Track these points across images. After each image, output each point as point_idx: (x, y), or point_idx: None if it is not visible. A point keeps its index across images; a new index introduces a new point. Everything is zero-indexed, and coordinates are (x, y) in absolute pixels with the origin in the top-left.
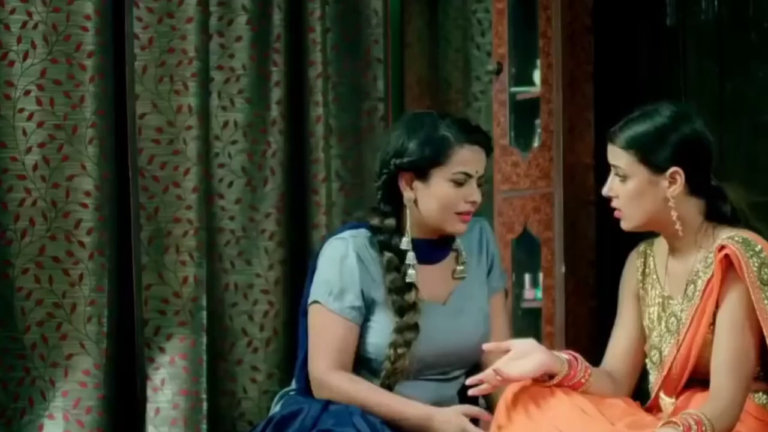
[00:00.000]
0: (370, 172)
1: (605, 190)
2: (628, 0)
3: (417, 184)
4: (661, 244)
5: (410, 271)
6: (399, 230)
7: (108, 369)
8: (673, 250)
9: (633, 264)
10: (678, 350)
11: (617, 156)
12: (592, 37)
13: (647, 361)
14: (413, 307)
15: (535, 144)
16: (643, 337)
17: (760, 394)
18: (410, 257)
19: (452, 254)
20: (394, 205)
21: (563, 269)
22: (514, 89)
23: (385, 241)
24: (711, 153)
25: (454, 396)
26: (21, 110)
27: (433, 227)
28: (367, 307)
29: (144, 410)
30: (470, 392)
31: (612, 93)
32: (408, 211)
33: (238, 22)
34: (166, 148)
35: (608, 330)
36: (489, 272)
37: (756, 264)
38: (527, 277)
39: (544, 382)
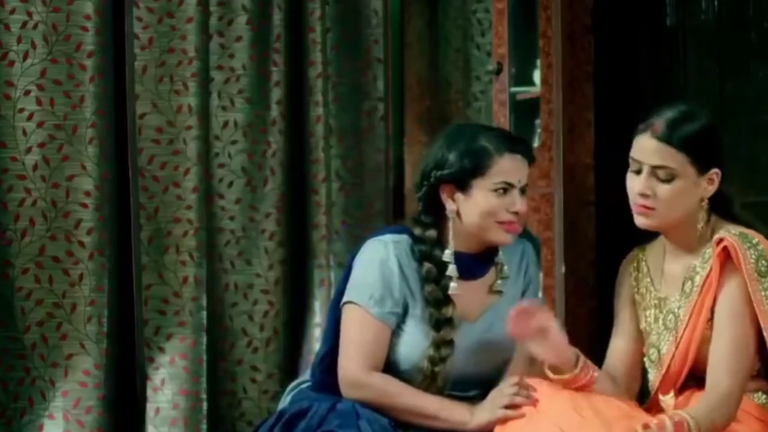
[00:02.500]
0: (371, 172)
1: (642, 189)
2: (628, 0)
3: (458, 195)
4: (654, 249)
5: (452, 284)
6: (440, 242)
7: (108, 369)
8: (672, 251)
9: (626, 270)
10: (676, 347)
11: (668, 156)
12: (592, 37)
13: (646, 360)
14: (450, 322)
15: (535, 144)
16: (641, 341)
17: (760, 393)
18: (452, 269)
19: (491, 271)
20: (436, 216)
21: (563, 269)
22: (514, 89)
23: (425, 252)
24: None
25: None
26: (21, 110)
27: (477, 239)
28: (402, 315)
29: (144, 410)
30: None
31: (612, 93)
32: (450, 224)
33: (238, 22)
34: (166, 148)
35: (608, 330)
36: (524, 293)
37: (753, 256)
38: None
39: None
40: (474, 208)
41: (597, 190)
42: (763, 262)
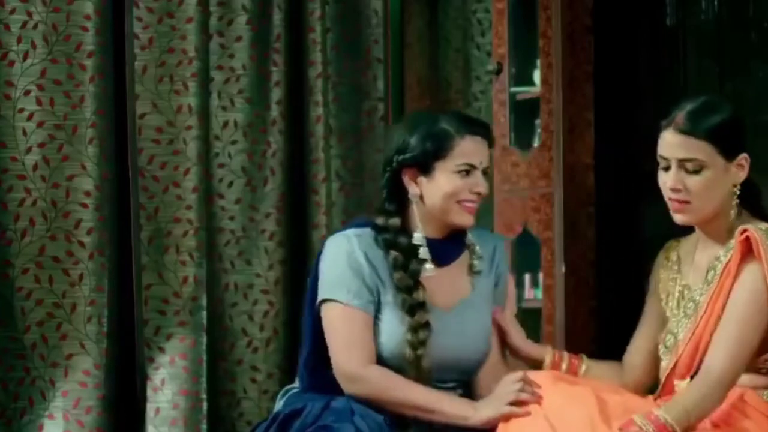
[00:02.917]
0: (371, 172)
1: (674, 184)
2: (628, 0)
3: (421, 179)
4: (689, 240)
5: (428, 266)
6: (404, 229)
7: (108, 369)
8: (703, 242)
9: (659, 261)
10: (692, 334)
11: (693, 148)
12: (592, 37)
13: (660, 347)
14: (423, 305)
15: (535, 144)
16: (660, 332)
17: None
18: (424, 252)
19: (464, 255)
20: (399, 203)
21: (563, 269)
22: (514, 89)
23: (390, 240)
24: None
25: None
26: (21, 110)
27: (440, 222)
28: (376, 306)
29: (144, 410)
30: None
31: (612, 93)
32: (414, 208)
33: (238, 22)
34: (166, 148)
35: (608, 330)
36: (495, 289)
37: None
38: (527, 277)
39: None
40: (437, 191)
41: (597, 190)
42: None
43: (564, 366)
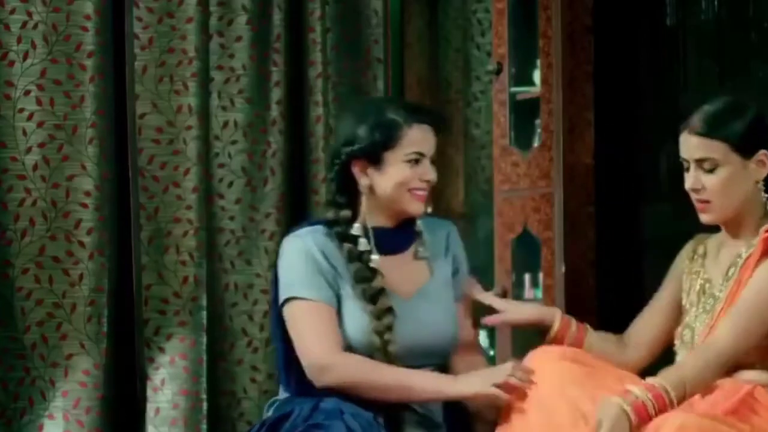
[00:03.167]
0: None
1: (692, 184)
2: (628, 0)
3: (371, 170)
4: (716, 238)
5: (374, 257)
6: (355, 220)
7: (108, 369)
8: (728, 239)
9: (686, 250)
10: (710, 329)
11: (708, 148)
12: (592, 37)
13: (677, 341)
14: (382, 291)
15: (535, 144)
16: (672, 317)
17: None
18: (363, 243)
19: (417, 243)
20: (349, 195)
21: (563, 269)
22: (514, 89)
23: (342, 233)
24: None
25: None
26: (21, 110)
27: (390, 211)
28: (337, 300)
29: (144, 410)
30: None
31: (612, 93)
32: (364, 199)
33: (238, 22)
34: (166, 148)
35: (608, 330)
36: (454, 274)
37: None
38: (527, 277)
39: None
40: (388, 181)
41: (597, 190)
42: None
43: (570, 337)
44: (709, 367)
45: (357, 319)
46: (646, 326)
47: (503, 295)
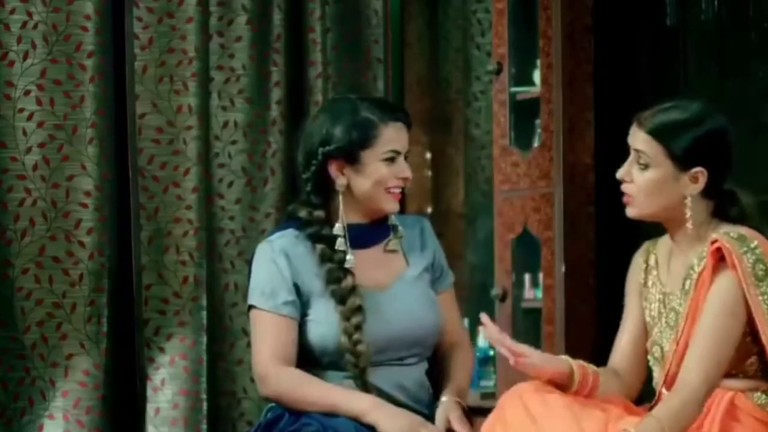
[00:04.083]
0: None
1: (620, 173)
2: (628, 0)
3: (348, 169)
4: (664, 243)
5: (348, 257)
6: (329, 220)
7: (108, 369)
8: (676, 247)
9: (637, 262)
10: (677, 345)
11: (643, 141)
12: (592, 37)
13: (649, 357)
14: (353, 291)
15: (535, 144)
16: (645, 337)
17: (759, 393)
18: (340, 243)
19: (390, 235)
20: (324, 195)
21: (563, 269)
22: (514, 89)
23: (315, 233)
24: (732, 158)
25: (417, 381)
26: (21, 110)
27: (366, 209)
28: (306, 302)
29: (144, 410)
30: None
31: (612, 93)
32: (340, 198)
33: (238, 22)
34: (166, 148)
35: (608, 330)
36: (432, 268)
37: (750, 260)
38: (527, 277)
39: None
40: (366, 179)
41: (597, 190)
42: (761, 266)
43: (589, 384)
44: (686, 406)
45: (326, 318)
46: (625, 354)
47: (503, 295)
